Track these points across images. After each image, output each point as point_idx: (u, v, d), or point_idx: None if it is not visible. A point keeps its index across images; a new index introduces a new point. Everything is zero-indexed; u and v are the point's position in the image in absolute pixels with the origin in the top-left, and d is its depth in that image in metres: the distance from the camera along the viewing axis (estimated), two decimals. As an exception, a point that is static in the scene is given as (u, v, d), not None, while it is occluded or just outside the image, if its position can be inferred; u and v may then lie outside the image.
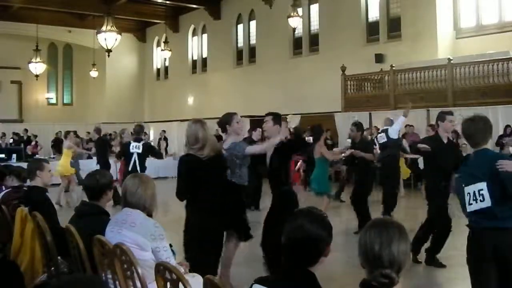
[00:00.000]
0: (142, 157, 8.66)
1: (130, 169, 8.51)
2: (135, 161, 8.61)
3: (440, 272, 5.98)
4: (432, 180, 6.08)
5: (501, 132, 12.75)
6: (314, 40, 20.03)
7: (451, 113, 6.09)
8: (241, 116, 5.40)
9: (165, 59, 25.47)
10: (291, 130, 5.60)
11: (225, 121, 5.12)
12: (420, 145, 5.88)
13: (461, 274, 5.91)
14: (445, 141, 5.92)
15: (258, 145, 4.79)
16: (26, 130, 21.90)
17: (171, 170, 17.46)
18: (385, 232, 1.98)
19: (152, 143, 16.31)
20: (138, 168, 8.44)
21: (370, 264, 1.98)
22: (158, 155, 9.75)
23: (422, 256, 6.16)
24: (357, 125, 8.51)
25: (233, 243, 5.20)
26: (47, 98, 28.85)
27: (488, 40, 15.12)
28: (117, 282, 2.99)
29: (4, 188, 5.44)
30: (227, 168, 4.81)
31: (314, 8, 20.06)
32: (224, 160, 4.67)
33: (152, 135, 24.28)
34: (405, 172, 12.08)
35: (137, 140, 8.82)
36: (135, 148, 8.64)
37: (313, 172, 8.77)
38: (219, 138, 6.38)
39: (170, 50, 21.27)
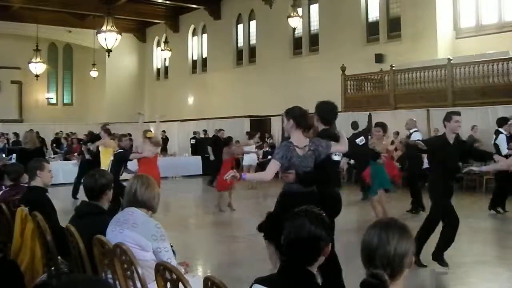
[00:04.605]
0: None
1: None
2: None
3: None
4: (435, 179, 6.04)
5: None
6: (314, 40, 20.04)
7: (458, 113, 6.03)
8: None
9: (165, 59, 25.49)
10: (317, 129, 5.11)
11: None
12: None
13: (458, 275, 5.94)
14: (451, 141, 5.89)
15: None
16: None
17: (171, 170, 17.49)
18: (384, 232, 1.94)
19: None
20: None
21: (365, 264, 1.96)
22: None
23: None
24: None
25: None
26: (47, 98, 28.88)
27: (488, 40, 15.13)
28: (117, 282, 2.99)
29: (3, 188, 5.46)
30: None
31: (314, 8, 20.08)
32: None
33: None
34: None
35: None
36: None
37: None
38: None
39: (170, 50, 21.28)
